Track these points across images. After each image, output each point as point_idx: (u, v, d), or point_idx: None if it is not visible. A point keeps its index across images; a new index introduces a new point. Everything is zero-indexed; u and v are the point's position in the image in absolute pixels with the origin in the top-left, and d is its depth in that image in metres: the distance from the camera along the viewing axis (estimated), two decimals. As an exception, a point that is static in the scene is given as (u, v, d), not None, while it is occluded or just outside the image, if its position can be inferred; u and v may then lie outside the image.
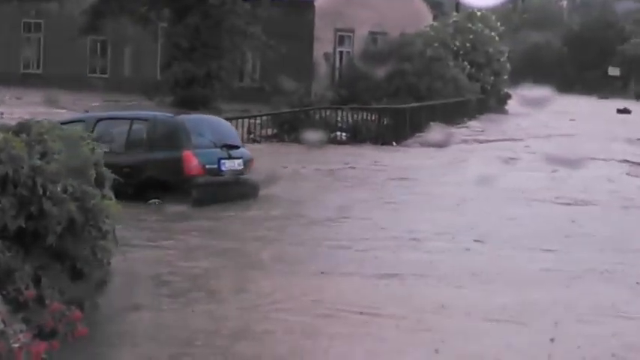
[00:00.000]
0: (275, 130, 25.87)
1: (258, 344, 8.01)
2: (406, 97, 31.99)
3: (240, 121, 23.39)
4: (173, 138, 14.47)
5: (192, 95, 27.97)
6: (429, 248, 11.98)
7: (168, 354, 7.70)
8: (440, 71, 35.22)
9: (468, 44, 40.95)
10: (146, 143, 14.61)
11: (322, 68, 36.86)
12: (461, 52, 40.35)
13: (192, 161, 14.02)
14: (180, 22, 29.21)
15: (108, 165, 13.29)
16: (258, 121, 25.18)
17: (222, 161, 14.41)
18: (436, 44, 37.47)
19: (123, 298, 8.86)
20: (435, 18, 44.24)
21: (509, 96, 43.38)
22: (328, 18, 36.73)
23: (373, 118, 28.18)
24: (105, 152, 14.07)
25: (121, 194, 12.73)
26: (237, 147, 15.13)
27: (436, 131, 27.80)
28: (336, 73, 37.87)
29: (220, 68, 29.02)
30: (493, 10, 49.77)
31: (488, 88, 41.53)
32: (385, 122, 28.15)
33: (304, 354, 7.87)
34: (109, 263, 8.48)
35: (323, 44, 37.01)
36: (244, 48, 31.06)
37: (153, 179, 13.84)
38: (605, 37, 71.08)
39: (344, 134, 26.45)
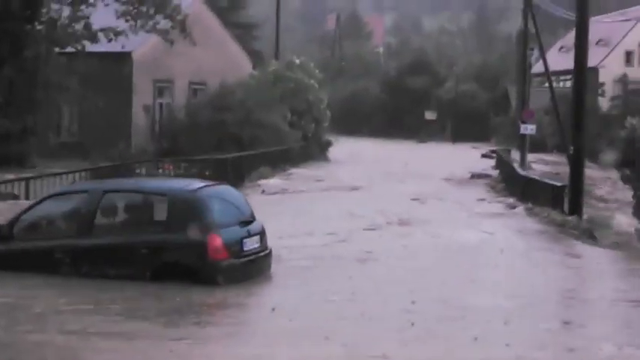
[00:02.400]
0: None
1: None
2: (229, 147, 32.36)
3: (59, 177, 23.17)
4: (195, 217, 12.99)
5: (7, 152, 27.39)
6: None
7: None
8: (262, 120, 35.80)
9: (288, 92, 41.77)
10: (164, 222, 13.16)
11: (142, 120, 36.77)
12: (282, 101, 41.11)
13: (218, 244, 12.78)
14: (-8, 76, 28.60)
15: (122, 245, 12.82)
16: (78, 177, 24.85)
17: (244, 240, 13.32)
18: (256, 93, 38.03)
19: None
20: (254, 67, 44.91)
21: (330, 143, 44.55)
22: (147, 69, 36.74)
23: (195, 169, 28.39)
24: (115, 230, 13.38)
25: (137, 277, 12.42)
26: (252, 221, 13.94)
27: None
28: (157, 125, 37.82)
29: (36, 123, 28.54)
30: (312, 58, 51.00)
31: (310, 135, 42.42)
32: (207, 173, 28.35)
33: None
34: None
35: (142, 96, 36.95)
36: (60, 102, 30.64)
37: (174, 263, 12.68)
38: (420, 82, 73.62)
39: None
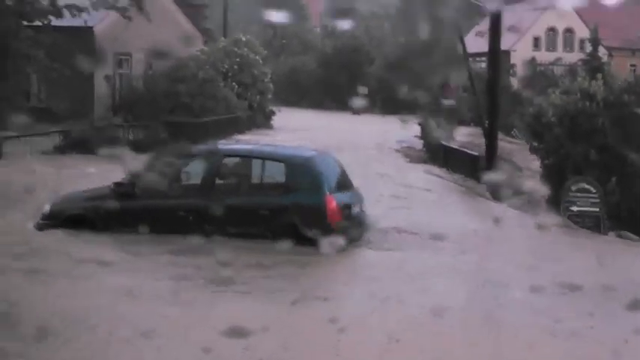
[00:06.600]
0: (62, 144, 25.86)
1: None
2: (181, 115, 32.27)
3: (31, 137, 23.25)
4: (313, 181, 12.71)
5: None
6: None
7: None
8: (212, 91, 35.69)
9: (235, 66, 41.72)
10: (283, 185, 12.84)
11: (103, 89, 36.48)
12: (229, 74, 41.03)
13: (334, 207, 12.52)
14: (-34, 48, 28.07)
15: (244, 206, 12.34)
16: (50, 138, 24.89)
17: (351, 204, 13.13)
18: (207, 67, 37.87)
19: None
20: (205, 43, 44.61)
21: (273, 113, 44.65)
22: (107, 43, 36.33)
23: (152, 133, 28.53)
24: (236, 191, 12.87)
25: (259, 237, 11.93)
26: (352, 186, 13.65)
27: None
28: (117, 93, 37.53)
29: (7, 90, 28.17)
30: (257, 36, 50.83)
31: (255, 105, 42.46)
32: (163, 136, 28.45)
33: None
34: None
35: (103, 67, 36.61)
36: (29, 71, 30.25)
37: (294, 224, 12.19)
38: (354, 60, 73.77)
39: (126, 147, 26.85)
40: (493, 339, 8.45)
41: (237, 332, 7.22)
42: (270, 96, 44.61)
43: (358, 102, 70.34)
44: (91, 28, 34.23)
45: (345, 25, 70.10)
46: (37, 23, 28.83)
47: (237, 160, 13.72)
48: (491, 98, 24.86)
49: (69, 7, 28.44)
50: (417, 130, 42.75)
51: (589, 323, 9.23)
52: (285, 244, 11.36)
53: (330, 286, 10.74)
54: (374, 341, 8.06)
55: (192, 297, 9.38)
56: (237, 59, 42.01)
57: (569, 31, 70.68)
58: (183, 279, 10.25)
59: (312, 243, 11.63)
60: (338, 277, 11.16)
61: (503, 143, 30.99)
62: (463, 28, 41.70)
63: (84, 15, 28.70)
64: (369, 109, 67.63)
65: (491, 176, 21.69)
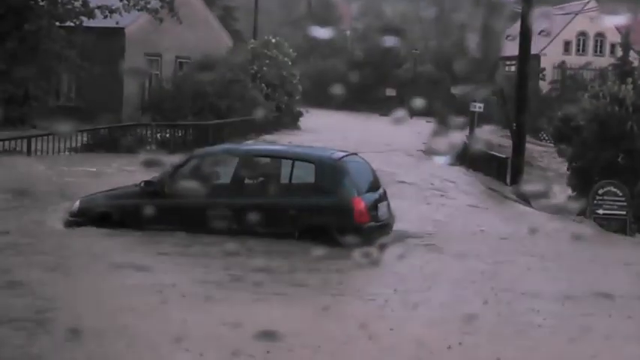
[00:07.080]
0: (91, 142, 26.19)
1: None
2: (208, 115, 32.47)
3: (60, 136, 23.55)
4: (342, 182, 12.78)
5: (10, 114, 27.28)
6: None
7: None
8: (240, 92, 35.80)
9: (264, 68, 41.81)
10: (312, 186, 12.84)
11: (133, 89, 36.69)
12: (258, 75, 41.15)
13: (362, 207, 12.54)
14: (-2, 47, 28.39)
15: (272, 206, 12.40)
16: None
17: (379, 205, 13.07)
18: (235, 68, 38.01)
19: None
20: (234, 44, 44.81)
21: (301, 114, 44.76)
22: (138, 43, 36.60)
23: (180, 133, 28.77)
24: (264, 191, 12.79)
25: (286, 236, 12.05)
26: (380, 187, 13.62)
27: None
28: (146, 93, 37.77)
29: (37, 89, 28.45)
30: (286, 38, 50.95)
31: (283, 107, 42.54)
32: (190, 137, 28.68)
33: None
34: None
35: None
36: (60, 70, 30.53)
37: (320, 224, 12.25)
38: (382, 62, 73.79)
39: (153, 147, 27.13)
40: (524, 346, 8.41)
41: (267, 336, 7.24)
42: (298, 97, 44.71)
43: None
44: (122, 29, 34.51)
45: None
46: (70, 24, 29.10)
47: (266, 160, 13.76)
48: (520, 101, 24.77)
49: (101, 8, 28.69)
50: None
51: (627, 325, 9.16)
52: (319, 249, 11.38)
53: (362, 291, 10.70)
54: (403, 348, 8.04)
55: (223, 299, 9.42)
56: (267, 61, 42.13)
57: (600, 35, 70.16)
58: (215, 281, 10.29)
59: (339, 244, 11.44)
60: (370, 282, 11.10)
61: (531, 146, 30.89)
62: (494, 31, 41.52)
63: (115, 16, 28.88)
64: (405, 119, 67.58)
65: (522, 185, 21.64)
